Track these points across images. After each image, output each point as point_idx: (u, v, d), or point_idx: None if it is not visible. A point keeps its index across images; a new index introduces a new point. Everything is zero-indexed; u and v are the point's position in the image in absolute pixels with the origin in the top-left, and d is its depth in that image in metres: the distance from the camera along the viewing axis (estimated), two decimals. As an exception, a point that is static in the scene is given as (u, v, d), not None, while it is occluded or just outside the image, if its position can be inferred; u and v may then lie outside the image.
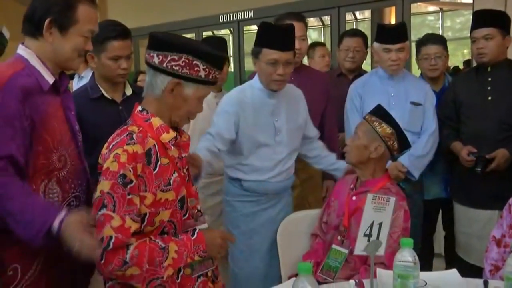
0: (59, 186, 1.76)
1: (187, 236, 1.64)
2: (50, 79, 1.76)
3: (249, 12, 7.52)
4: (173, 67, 1.61)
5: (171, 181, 1.64)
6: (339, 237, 2.22)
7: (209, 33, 8.86)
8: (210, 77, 1.65)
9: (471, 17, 3.07)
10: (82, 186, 1.86)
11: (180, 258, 1.61)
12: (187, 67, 1.61)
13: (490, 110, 2.77)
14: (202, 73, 1.63)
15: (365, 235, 1.55)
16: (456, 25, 8.83)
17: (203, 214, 1.82)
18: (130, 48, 2.43)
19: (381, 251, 1.56)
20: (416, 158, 2.83)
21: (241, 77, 7.51)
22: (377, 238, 1.55)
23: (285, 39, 2.33)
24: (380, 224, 1.55)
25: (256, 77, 2.49)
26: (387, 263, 1.95)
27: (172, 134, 1.65)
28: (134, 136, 1.60)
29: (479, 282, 1.82)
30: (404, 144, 2.28)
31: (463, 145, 2.80)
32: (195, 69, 1.62)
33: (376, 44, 2.95)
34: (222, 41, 3.34)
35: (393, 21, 6.64)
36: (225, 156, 2.51)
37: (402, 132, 2.27)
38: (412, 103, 2.89)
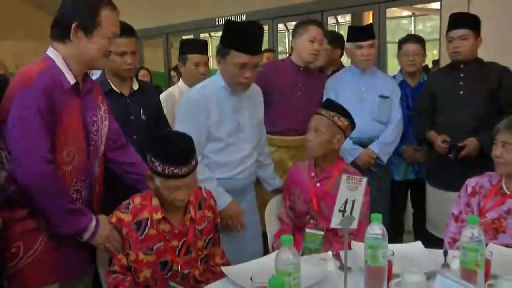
0: (63, 179, 1.75)
1: None
2: (72, 80, 1.76)
3: (242, 16, 7.51)
4: (148, 162, 1.80)
5: (154, 248, 1.81)
6: (312, 221, 2.24)
7: (206, 35, 8.84)
8: (166, 172, 1.74)
9: (439, 21, 3.10)
10: (85, 182, 1.85)
11: None
12: (151, 164, 1.77)
13: (462, 103, 2.80)
14: (159, 169, 1.74)
15: (340, 211, 1.58)
16: (426, 29, 8.88)
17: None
18: (135, 45, 2.42)
19: (354, 225, 1.59)
20: (384, 145, 2.92)
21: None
22: (351, 213, 1.59)
23: (255, 43, 2.15)
24: (353, 202, 1.58)
25: (218, 75, 2.24)
26: (355, 233, 2.00)
27: (159, 216, 1.81)
28: (130, 207, 1.84)
29: (439, 252, 1.87)
30: (353, 127, 2.32)
31: (438, 134, 2.83)
32: (154, 165, 1.75)
33: (348, 44, 3.02)
34: (200, 43, 3.32)
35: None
36: None
37: (353, 119, 2.29)
38: (381, 96, 2.95)
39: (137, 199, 1.86)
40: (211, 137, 2.21)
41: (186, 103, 2.25)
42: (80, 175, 1.82)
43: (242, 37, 2.10)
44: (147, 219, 1.82)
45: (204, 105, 2.17)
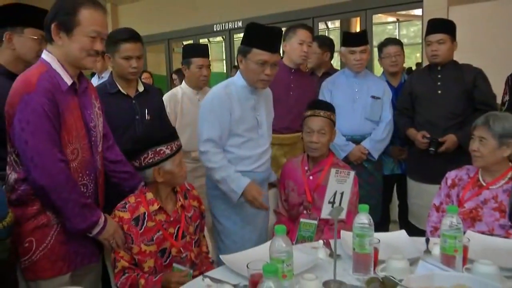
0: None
1: (151, 277, 1.79)
2: (69, 81, 1.72)
3: (238, 22, 7.53)
4: (148, 161, 1.84)
5: (154, 238, 1.84)
6: (305, 211, 2.25)
7: (205, 40, 8.84)
8: (174, 148, 1.86)
9: (421, 26, 3.10)
10: (90, 176, 1.82)
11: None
12: (156, 156, 1.83)
13: (440, 102, 2.82)
14: (168, 151, 1.84)
15: (329, 202, 1.59)
16: (410, 33, 8.90)
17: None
18: (140, 49, 2.39)
19: (343, 215, 1.60)
20: (376, 142, 2.92)
21: (232, 77, 7.53)
22: (340, 204, 1.59)
23: (275, 42, 2.16)
24: (342, 194, 1.59)
25: (238, 75, 2.26)
26: (345, 220, 2.02)
27: (156, 207, 1.86)
28: (127, 205, 1.86)
29: (422, 240, 1.88)
30: None
31: (417, 132, 2.85)
32: (161, 152, 1.83)
33: (342, 48, 3.03)
34: (202, 47, 3.32)
35: (358, 30, 6.69)
36: None
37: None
38: (373, 97, 2.96)
39: (131, 198, 1.89)
40: (231, 133, 2.22)
41: (210, 101, 2.22)
42: (85, 169, 1.81)
43: (263, 36, 2.13)
44: (144, 213, 1.84)
45: (228, 103, 2.19)
